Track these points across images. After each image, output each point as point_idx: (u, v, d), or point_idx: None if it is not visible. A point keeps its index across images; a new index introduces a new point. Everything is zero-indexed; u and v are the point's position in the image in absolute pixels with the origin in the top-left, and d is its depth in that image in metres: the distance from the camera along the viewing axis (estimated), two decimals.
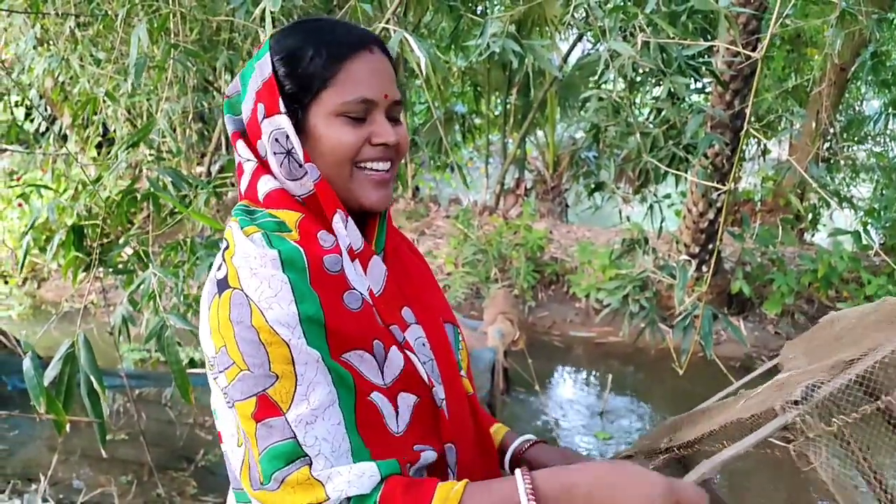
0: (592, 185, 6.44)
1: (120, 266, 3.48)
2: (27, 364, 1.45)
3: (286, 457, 0.84)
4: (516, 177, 9.22)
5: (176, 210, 3.32)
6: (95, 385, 1.50)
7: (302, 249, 0.91)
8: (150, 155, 3.65)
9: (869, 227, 6.72)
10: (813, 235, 8.47)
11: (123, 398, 3.73)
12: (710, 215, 6.06)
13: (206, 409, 4.24)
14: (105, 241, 3.65)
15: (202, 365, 3.66)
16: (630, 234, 5.77)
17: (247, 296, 0.86)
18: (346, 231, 0.96)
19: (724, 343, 5.99)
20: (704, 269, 6.07)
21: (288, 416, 0.85)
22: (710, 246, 6.19)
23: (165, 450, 3.51)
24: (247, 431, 0.87)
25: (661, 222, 5.13)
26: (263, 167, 0.99)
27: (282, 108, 0.96)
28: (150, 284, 2.71)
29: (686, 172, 4.43)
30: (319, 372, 0.86)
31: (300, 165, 0.96)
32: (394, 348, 0.94)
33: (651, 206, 5.12)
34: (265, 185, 0.98)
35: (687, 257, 5.83)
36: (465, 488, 0.84)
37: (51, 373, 1.50)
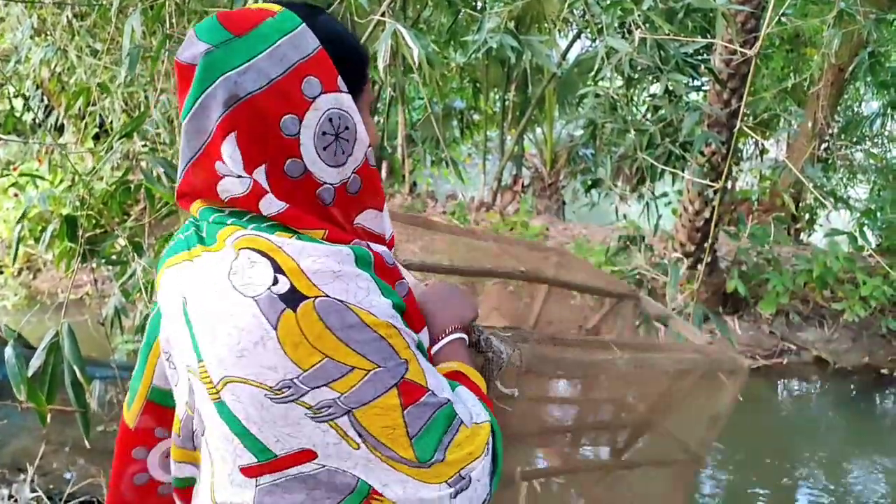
0: (589, 182, 6.44)
1: (113, 257, 3.47)
2: (9, 352, 1.44)
3: (447, 421, 0.88)
4: (514, 173, 9.21)
5: (170, 202, 3.32)
6: (79, 375, 1.50)
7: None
8: (145, 146, 3.64)
9: (865, 228, 6.72)
10: (809, 235, 8.48)
11: (115, 389, 3.73)
12: (706, 214, 6.06)
13: None
14: (99, 231, 3.65)
15: None
16: (626, 231, 5.78)
17: (339, 300, 0.83)
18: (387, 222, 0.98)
19: (718, 342, 5.99)
20: (699, 267, 6.07)
21: (430, 386, 0.88)
22: (706, 245, 6.20)
23: None
24: (385, 425, 0.85)
25: (658, 220, 5.14)
26: (256, 185, 0.88)
27: (342, 86, 0.90)
28: (140, 275, 2.71)
29: (682, 171, 4.44)
30: (414, 338, 0.91)
31: (346, 152, 0.91)
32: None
33: (647, 204, 5.13)
34: (271, 206, 0.89)
35: (679, 255, 5.83)
36: (456, 362, 1.01)
37: (35, 363, 1.50)
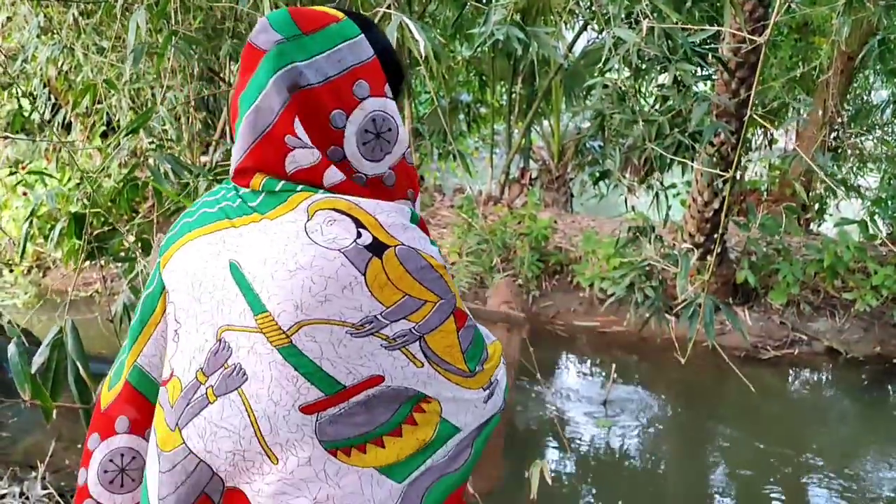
0: (597, 174, 6.42)
1: (121, 254, 3.47)
2: (12, 349, 1.44)
3: (481, 340, 1.10)
4: (521, 166, 9.18)
5: (178, 199, 3.32)
6: (82, 372, 1.49)
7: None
8: (152, 143, 3.64)
9: (876, 216, 6.66)
10: (819, 225, 8.43)
11: None
12: (716, 205, 6.03)
13: None
14: (107, 229, 3.65)
15: None
16: (635, 223, 5.76)
17: (413, 249, 1.00)
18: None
19: (729, 333, 5.96)
20: (709, 258, 6.04)
21: (469, 316, 1.08)
22: (715, 235, 6.16)
23: None
24: (447, 345, 1.04)
25: (668, 210, 5.11)
26: (325, 158, 1.03)
27: (388, 92, 1.06)
28: (148, 272, 2.70)
29: (691, 161, 4.41)
30: None
31: (384, 150, 1.05)
32: None
33: (657, 195, 5.10)
34: (333, 177, 1.03)
35: (689, 245, 5.80)
36: None
37: (38, 359, 1.49)
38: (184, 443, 1.03)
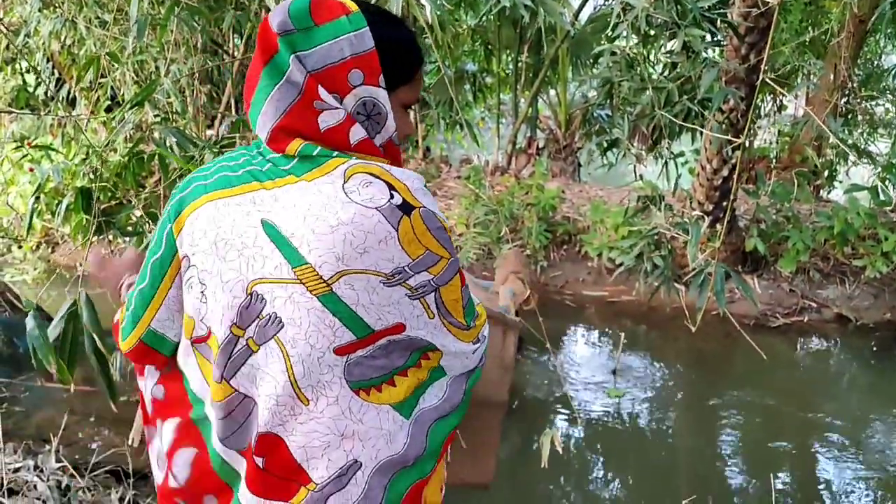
0: (606, 143, 6.37)
1: (129, 228, 3.47)
2: (30, 323, 1.44)
3: (473, 299, 1.28)
4: (528, 136, 9.11)
5: (184, 173, 3.30)
6: (99, 344, 1.49)
7: None
8: (157, 116, 3.62)
9: (887, 182, 6.59)
10: (829, 192, 8.35)
11: None
12: (725, 172, 5.98)
13: None
14: (115, 203, 3.64)
15: None
16: (644, 192, 5.72)
17: (432, 211, 1.15)
18: None
19: (738, 301, 5.95)
20: (718, 226, 6.01)
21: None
22: (725, 203, 6.12)
23: None
24: (454, 298, 1.20)
25: (677, 179, 5.07)
26: (349, 116, 1.16)
27: (382, 83, 1.16)
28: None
29: (700, 128, 4.36)
30: None
31: (375, 130, 1.18)
32: None
33: (666, 164, 5.06)
34: (358, 133, 1.16)
35: (700, 213, 5.77)
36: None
37: (53, 332, 1.49)
38: (236, 391, 1.17)
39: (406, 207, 1.12)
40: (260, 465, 1.17)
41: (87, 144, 4.24)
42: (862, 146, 8.17)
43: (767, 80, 2.03)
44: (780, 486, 3.83)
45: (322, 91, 1.13)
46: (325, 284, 1.10)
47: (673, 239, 5.46)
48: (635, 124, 6.86)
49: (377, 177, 1.13)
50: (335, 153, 1.15)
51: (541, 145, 9.20)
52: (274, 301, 1.12)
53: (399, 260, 1.12)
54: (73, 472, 2.64)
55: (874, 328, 5.92)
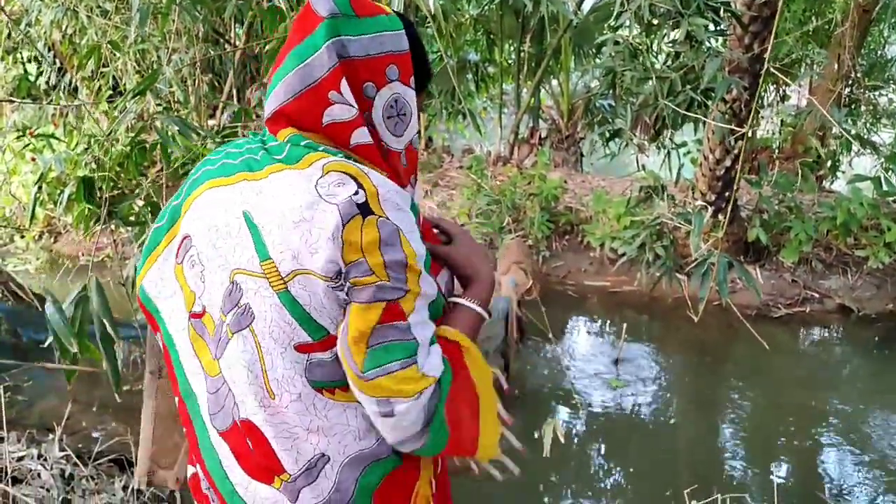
0: (608, 133, 6.35)
1: (132, 218, 3.47)
2: (50, 310, 1.43)
3: (403, 353, 1.09)
4: (530, 126, 9.10)
5: (186, 162, 3.30)
6: (109, 329, 1.49)
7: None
8: (158, 105, 3.61)
9: (890, 173, 6.57)
10: (832, 183, 8.34)
11: (140, 349, 3.75)
12: (727, 162, 5.97)
13: None
14: (117, 193, 3.64)
15: None
16: (646, 182, 5.71)
17: (396, 226, 1.08)
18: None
19: (740, 291, 5.95)
20: (721, 216, 6.00)
21: (411, 320, 1.10)
22: (727, 193, 6.11)
23: None
24: (359, 329, 1.08)
25: (680, 169, 5.06)
26: (361, 117, 1.16)
27: (412, 83, 1.21)
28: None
29: (704, 118, 4.35)
30: (431, 288, 1.14)
31: (401, 130, 1.21)
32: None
33: (668, 153, 5.05)
34: (361, 137, 1.16)
35: (703, 203, 5.76)
36: (458, 331, 1.21)
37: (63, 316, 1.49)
38: (220, 372, 1.19)
39: (365, 209, 1.08)
40: (250, 445, 1.18)
41: (88, 134, 4.24)
42: (865, 136, 8.14)
43: (773, 69, 2.02)
44: (781, 476, 3.85)
45: (344, 84, 1.14)
46: (282, 282, 1.10)
47: (675, 229, 5.46)
48: (638, 114, 6.85)
49: (353, 177, 1.10)
50: (321, 147, 1.15)
51: (543, 135, 9.18)
52: (247, 292, 1.13)
53: (339, 262, 1.07)
54: (77, 461, 2.65)
55: (876, 319, 5.93)
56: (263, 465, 1.18)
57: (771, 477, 3.79)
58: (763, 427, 4.37)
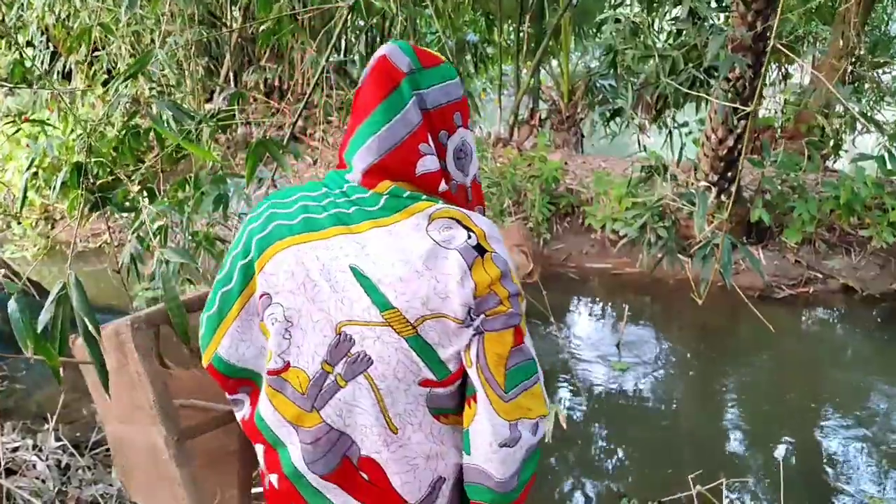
0: (609, 113, 6.28)
1: (126, 204, 3.41)
2: (12, 306, 1.39)
3: (531, 371, 1.22)
4: (530, 107, 9.02)
5: (182, 147, 3.25)
6: (91, 328, 1.44)
7: None
8: (152, 89, 3.55)
9: (894, 151, 6.49)
10: (835, 162, 8.27)
11: None
12: (730, 142, 5.90)
13: None
14: (112, 179, 3.59)
15: None
16: (647, 163, 5.65)
17: (504, 259, 1.20)
18: None
19: (743, 272, 5.91)
20: (724, 197, 5.95)
21: (526, 342, 1.23)
22: (730, 174, 6.05)
23: None
24: (498, 353, 1.20)
25: (682, 149, 5.00)
26: (442, 170, 1.26)
27: (470, 126, 1.33)
28: (151, 220, 2.65)
29: (707, 96, 4.29)
30: None
31: (467, 167, 1.31)
32: None
33: (670, 133, 4.99)
34: (443, 185, 1.25)
35: (707, 184, 5.70)
36: None
37: (44, 316, 1.44)
38: (324, 421, 1.24)
39: (480, 249, 1.19)
40: (366, 478, 1.27)
41: (79, 118, 4.17)
42: (869, 114, 8.06)
43: (779, 46, 1.96)
44: (785, 457, 3.82)
45: (429, 136, 1.25)
46: (411, 327, 1.18)
47: (677, 210, 5.41)
48: (639, 94, 6.78)
49: (458, 221, 1.20)
50: (423, 197, 1.23)
51: (543, 116, 9.11)
52: (363, 341, 1.20)
53: (469, 302, 1.17)
54: (73, 451, 2.61)
55: (880, 298, 5.89)
56: (384, 496, 1.27)
57: (774, 457, 3.77)
58: (766, 408, 4.35)
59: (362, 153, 1.23)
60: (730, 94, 5.39)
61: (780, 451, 3.87)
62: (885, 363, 5.04)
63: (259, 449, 1.35)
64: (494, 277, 1.18)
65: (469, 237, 1.18)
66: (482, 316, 1.18)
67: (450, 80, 1.29)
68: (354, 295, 1.19)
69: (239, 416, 1.40)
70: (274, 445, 1.31)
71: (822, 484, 3.55)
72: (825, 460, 3.79)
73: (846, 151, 8.13)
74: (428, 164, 1.23)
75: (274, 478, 1.34)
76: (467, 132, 1.31)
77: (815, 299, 5.95)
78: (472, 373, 1.21)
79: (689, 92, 3.50)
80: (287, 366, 1.25)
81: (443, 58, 1.30)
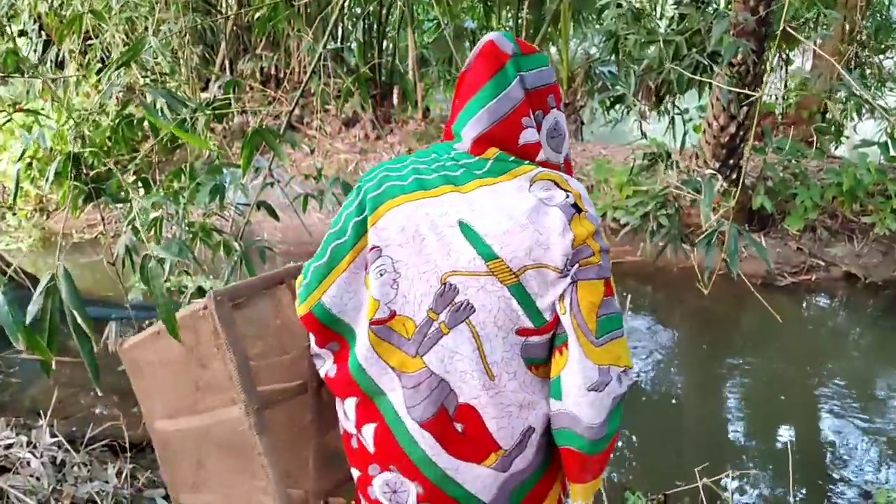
0: (610, 100, 6.20)
1: (121, 195, 3.35)
2: (0, 299, 1.33)
3: (619, 323, 1.34)
4: None
5: (177, 136, 3.18)
6: (80, 321, 1.39)
7: None
8: (145, 77, 3.48)
9: None
10: (836, 148, 8.20)
11: (133, 329, 3.66)
12: (732, 129, 5.84)
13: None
14: (105, 169, 3.53)
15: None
16: (649, 149, 5.57)
17: (596, 218, 1.35)
18: None
19: (745, 260, 5.85)
20: (725, 184, 5.89)
21: (615, 297, 1.35)
22: (731, 161, 5.99)
23: None
24: (591, 301, 1.31)
25: (684, 136, 4.93)
26: (539, 142, 1.39)
27: (561, 108, 1.45)
28: (145, 212, 2.59)
29: (711, 81, 4.22)
30: None
31: (560, 146, 1.43)
32: None
33: (672, 120, 4.92)
34: (544, 153, 1.39)
35: (713, 171, 5.64)
36: None
37: (32, 308, 1.39)
38: (426, 366, 1.35)
39: (577, 208, 1.32)
40: (459, 430, 1.36)
41: (71, 107, 4.11)
42: (873, 100, 7.99)
43: (789, 29, 1.90)
44: (790, 446, 3.78)
45: (529, 111, 1.37)
46: (513, 276, 1.30)
47: (679, 197, 5.36)
48: (640, 80, 6.70)
49: (556, 183, 1.34)
50: (526, 162, 1.36)
51: None
52: (467, 290, 1.32)
53: (567, 252, 1.29)
54: (69, 448, 2.56)
55: (883, 286, 5.84)
56: (477, 446, 1.37)
57: (778, 446, 3.73)
58: (768, 396, 4.31)
59: (472, 124, 1.36)
60: (733, 80, 5.33)
61: (782, 439, 3.84)
62: (888, 351, 5.00)
63: (351, 403, 1.44)
64: (589, 232, 1.31)
65: (567, 197, 1.32)
66: (577, 266, 1.30)
67: (545, 66, 1.42)
68: (460, 247, 1.31)
69: (322, 371, 1.50)
70: (372, 395, 1.40)
71: (824, 471, 3.51)
72: (826, 446, 3.75)
73: (847, 138, 8.07)
74: (529, 136, 1.37)
75: (370, 429, 1.42)
76: (560, 113, 1.44)
77: (818, 287, 5.90)
78: (566, 320, 1.32)
79: (694, 77, 3.43)
80: (393, 314, 1.36)
81: (536, 48, 1.43)
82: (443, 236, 1.32)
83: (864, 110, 7.75)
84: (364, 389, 1.40)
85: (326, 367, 1.48)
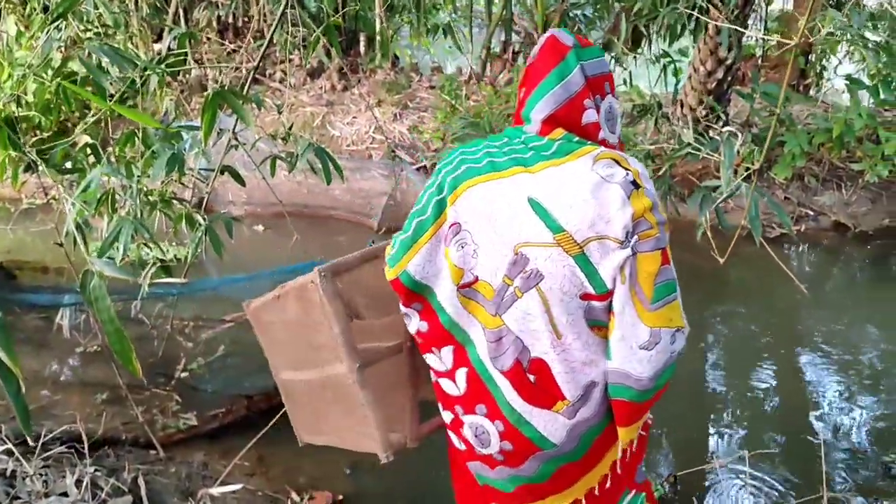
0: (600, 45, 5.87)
1: (67, 165, 3.01)
2: None
3: (673, 288, 1.52)
4: (503, 40, 8.55)
5: (128, 94, 2.84)
6: (8, 362, 1.09)
7: None
8: (87, 31, 3.11)
9: (890, 77, 6.17)
10: (818, 91, 7.98)
11: (87, 314, 3.35)
12: (719, 74, 5.58)
13: (184, 318, 3.81)
14: (47, 135, 3.15)
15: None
16: (631, 99, 5.30)
17: (653, 193, 1.51)
18: None
19: (731, 212, 5.64)
20: (712, 134, 5.65)
21: (671, 265, 1.52)
22: (719, 108, 5.74)
23: (142, 365, 3.17)
24: (650, 271, 1.48)
25: (676, 84, 4.67)
26: (598, 122, 1.59)
27: (616, 95, 1.66)
28: (98, 184, 2.28)
29: (700, 28, 3.95)
30: None
31: (615, 127, 1.64)
32: None
33: (664, 68, 4.64)
34: (602, 133, 1.59)
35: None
36: None
37: None
38: (504, 324, 1.57)
39: (635, 184, 1.48)
40: (532, 380, 1.58)
41: (18, 62, 3.70)
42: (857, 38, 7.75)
43: None
44: (776, 401, 3.67)
45: (590, 94, 1.56)
46: (578, 247, 1.47)
47: (672, 149, 5.10)
48: (615, 23, 6.38)
49: (617, 162, 1.51)
50: (589, 143, 1.55)
51: (516, 50, 8.65)
52: (536, 260, 1.50)
53: (627, 224, 1.45)
54: (20, 457, 2.26)
55: (873, 235, 5.69)
56: (546, 394, 1.57)
57: (764, 403, 3.61)
58: (751, 349, 4.17)
59: (540, 106, 1.56)
60: (722, 22, 5.05)
61: (769, 396, 3.70)
62: (878, 302, 4.85)
63: (448, 350, 1.64)
64: (647, 207, 1.47)
65: (626, 174, 1.48)
66: (636, 238, 1.46)
67: (601, 57, 1.63)
68: (530, 221, 1.49)
69: (413, 328, 1.69)
70: (464, 343, 1.63)
71: (808, 426, 3.37)
72: (816, 401, 3.64)
73: (829, 80, 7.85)
74: (590, 116, 1.57)
75: (462, 372, 1.65)
76: (614, 99, 1.64)
77: (807, 237, 5.74)
78: (623, 289, 1.49)
79: (693, 13, 3.15)
80: (476, 279, 1.58)
81: (591, 41, 1.62)
82: (515, 212, 1.50)
83: (842, 51, 7.54)
84: (458, 339, 1.63)
85: (415, 323, 1.68)
